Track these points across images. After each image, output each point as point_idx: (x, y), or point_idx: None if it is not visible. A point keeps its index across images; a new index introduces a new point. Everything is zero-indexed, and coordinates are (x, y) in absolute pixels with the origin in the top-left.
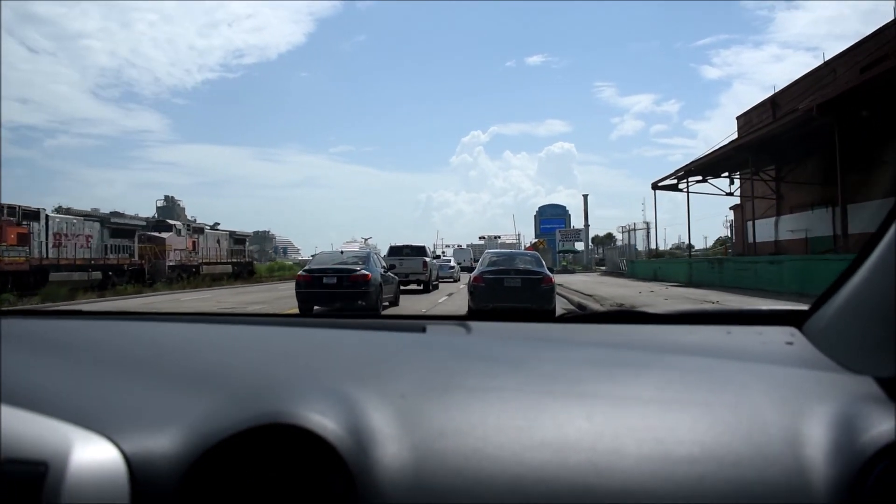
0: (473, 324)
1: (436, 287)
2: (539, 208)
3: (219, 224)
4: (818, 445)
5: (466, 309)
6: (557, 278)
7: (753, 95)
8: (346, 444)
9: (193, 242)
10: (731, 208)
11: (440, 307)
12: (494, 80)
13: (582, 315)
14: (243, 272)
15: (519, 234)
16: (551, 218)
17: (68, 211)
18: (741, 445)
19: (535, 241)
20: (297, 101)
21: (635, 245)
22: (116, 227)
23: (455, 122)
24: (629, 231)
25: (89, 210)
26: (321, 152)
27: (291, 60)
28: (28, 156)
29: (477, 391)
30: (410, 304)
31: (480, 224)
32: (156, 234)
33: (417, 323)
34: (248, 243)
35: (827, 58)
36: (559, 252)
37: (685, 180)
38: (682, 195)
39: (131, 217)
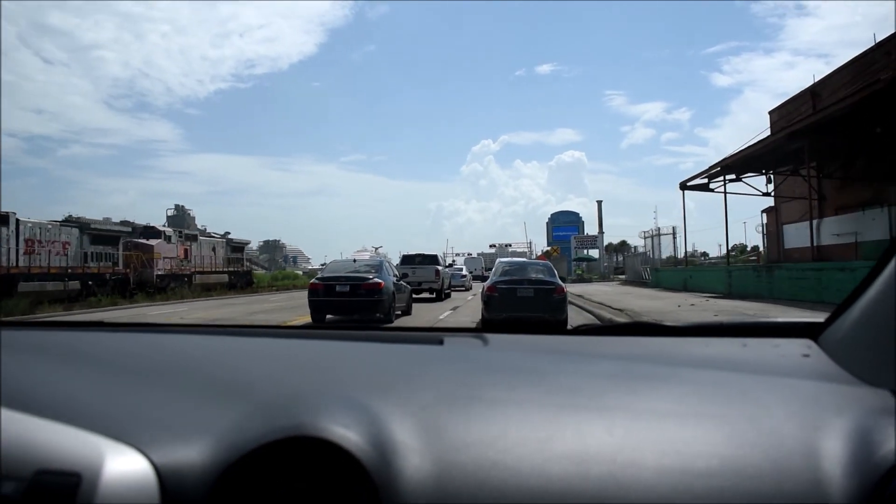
0: (490, 336)
1: (448, 295)
2: (551, 215)
3: (229, 233)
4: (835, 459)
5: (480, 318)
6: (574, 288)
7: (764, 103)
8: (370, 457)
9: (185, 250)
10: (763, 211)
11: (453, 317)
12: (505, 88)
13: (597, 327)
14: (240, 282)
15: (530, 243)
16: (564, 225)
17: (78, 220)
18: (759, 458)
19: (547, 249)
20: (309, 111)
21: (660, 252)
22: (98, 233)
23: (465, 131)
24: (652, 237)
25: (101, 219)
26: (332, 161)
27: (303, 70)
28: (42, 165)
29: (497, 403)
30: (423, 314)
31: (490, 233)
32: (143, 241)
33: (435, 335)
34: (246, 251)
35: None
36: (574, 260)
37: (720, 178)
38: (704, 197)
39: (115, 223)
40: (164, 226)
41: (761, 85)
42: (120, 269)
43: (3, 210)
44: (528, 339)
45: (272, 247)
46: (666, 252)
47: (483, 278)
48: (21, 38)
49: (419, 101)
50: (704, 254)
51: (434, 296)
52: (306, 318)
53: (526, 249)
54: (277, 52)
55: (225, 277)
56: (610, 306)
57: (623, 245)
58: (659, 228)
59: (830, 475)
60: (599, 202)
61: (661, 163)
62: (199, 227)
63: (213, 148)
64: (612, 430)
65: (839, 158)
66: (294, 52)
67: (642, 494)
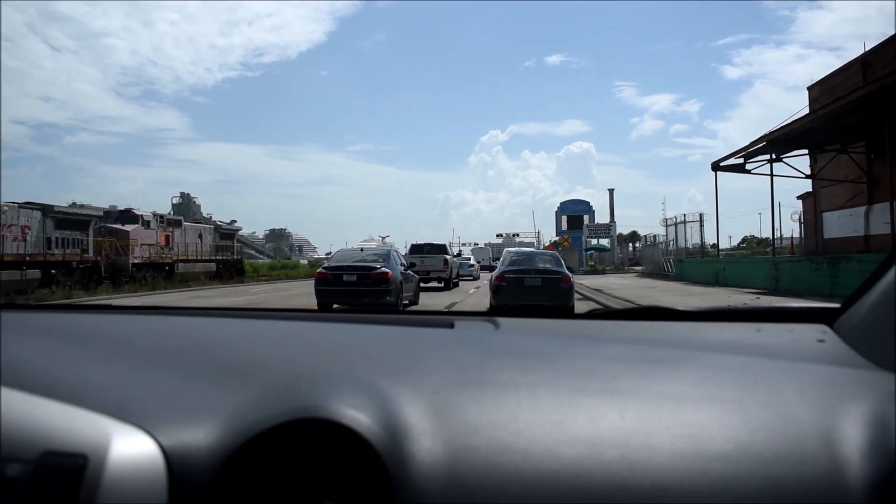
0: (501, 320)
1: (456, 285)
2: (561, 204)
3: (235, 222)
4: (853, 444)
5: (488, 307)
6: (588, 281)
7: (775, 96)
8: (381, 439)
9: (167, 236)
10: (799, 198)
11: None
12: (514, 79)
13: (610, 312)
14: (230, 271)
15: (538, 232)
16: (574, 214)
17: (82, 207)
18: (776, 443)
19: (555, 239)
20: (317, 100)
21: (685, 241)
22: (64, 217)
23: (474, 121)
24: (675, 224)
25: (107, 207)
26: (340, 151)
27: (311, 59)
28: (49, 153)
29: (509, 386)
30: (434, 300)
31: (498, 223)
32: (118, 226)
33: (446, 318)
34: (239, 238)
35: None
36: (587, 250)
37: (759, 158)
38: (711, 187)
39: (88, 207)
40: (129, 208)
41: (771, 77)
42: (90, 256)
43: None
44: (539, 324)
45: (278, 236)
46: (691, 241)
47: (491, 268)
48: (29, 25)
49: (428, 91)
50: (714, 245)
51: (442, 285)
52: None
53: (534, 239)
54: (286, 41)
55: (212, 266)
56: (640, 304)
57: (634, 235)
58: (685, 215)
59: (848, 460)
60: (611, 190)
61: (670, 154)
62: (204, 215)
63: (221, 137)
64: (624, 413)
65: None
66: (303, 40)
67: (656, 478)
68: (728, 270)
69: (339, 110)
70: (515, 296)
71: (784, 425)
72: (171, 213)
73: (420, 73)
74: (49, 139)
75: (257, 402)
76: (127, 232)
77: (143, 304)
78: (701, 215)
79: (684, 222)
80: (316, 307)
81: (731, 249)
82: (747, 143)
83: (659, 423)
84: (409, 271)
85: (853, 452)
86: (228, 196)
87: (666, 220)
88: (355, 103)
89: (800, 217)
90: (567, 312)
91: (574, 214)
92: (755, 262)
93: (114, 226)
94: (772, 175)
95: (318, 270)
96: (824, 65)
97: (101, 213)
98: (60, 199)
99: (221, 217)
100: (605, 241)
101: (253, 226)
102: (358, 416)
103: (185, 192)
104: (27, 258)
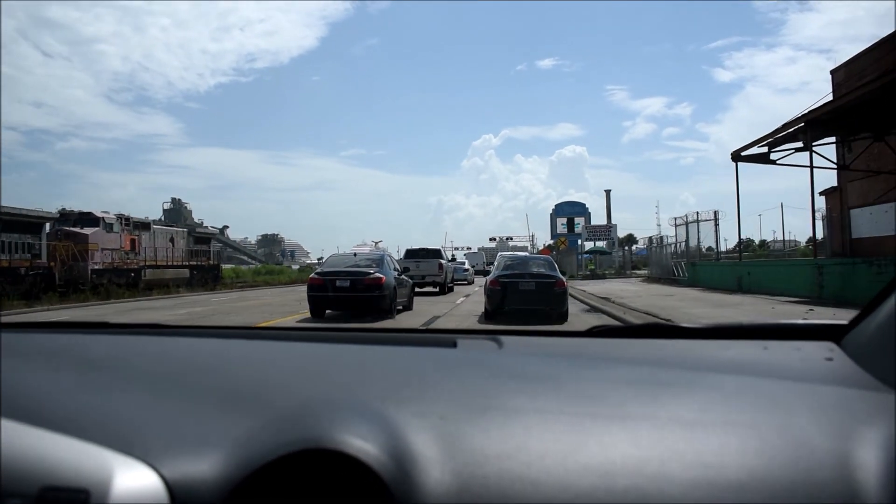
0: (505, 338)
1: (451, 289)
2: (556, 206)
3: (227, 227)
4: (869, 469)
5: (483, 311)
6: (591, 287)
7: (766, 98)
8: (389, 469)
9: (132, 241)
10: (822, 193)
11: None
12: (506, 83)
13: (613, 329)
14: (205, 277)
15: (532, 236)
16: (570, 216)
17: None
18: (790, 471)
19: (549, 242)
20: (309, 105)
21: (698, 242)
22: (12, 218)
23: (466, 125)
24: (686, 224)
25: (132, 216)
26: (332, 155)
27: (303, 64)
28: (41, 159)
29: (517, 412)
30: (428, 307)
31: (491, 228)
32: (76, 229)
33: (448, 337)
34: (213, 243)
35: None
36: (586, 253)
37: (784, 147)
38: (706, 189)
39: (40, 211)
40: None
41: (762, 80)
42: (43, 262)
43: None
44: (543, 342)
45: (270, 241)
46: (705, 243)
47: (485, 272)
48: (21, 31)
49: (420, 96)
50: (710, 248)
51: (438, 290)
52: None
53: (527, 243)
54: (278, 46)
55: (185, 272)
56: (667, 319)
57: (630, 238)
58: (697, 213)
59: (865, 488)
60: (608, 192)
61: (662, 157)
62: (196, 220)
63: (214, 142)
64: (636, 440)
65: None
66: (294, 45)
67: None
68: (753, 275)
69: (332, 115)
70: (510, 300)
71: (798, 452)
72: (163, 218)
73: (412, 78)
74: (41, 145)
75: (262, 432)
76: (86, 235)
77: (142, 322)
78: (716, 213)
79: (697, 221)
80: (309, 313)
81: (729, 253)
82: (745, 143)
83: (671, 451)
84: (402, 276)
85: (869, 480)
86: (221, 202)
87: (675, 219)
88: (348, 108)
89: (823, 214)
90: (564, 321)
91: (569, 217)
92: (788, 265)
93: (71, 229)
94: (812, 160)
95: (310, 276)
96: (815, 66)
97: (56, 215)
98: (52, 206)
99: (214, 223)
100: (601, 244)
101: (245, 231)
102: (365, 445)
103: (177, 197)
104: None
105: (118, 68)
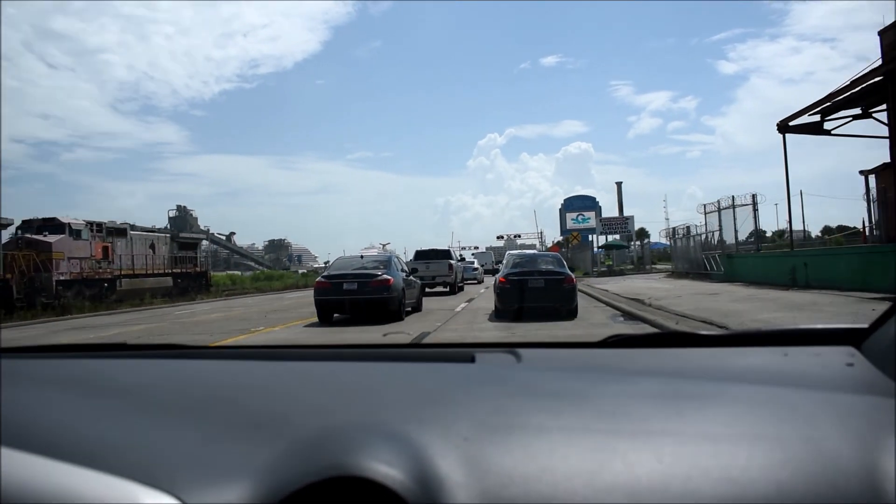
0: (523, 351)
1: (461, 289)
2: (565, 200)
3: (234, 233)
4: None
5: (493, 309)
6: (612, 285)
7: (771, 89)
8: (415, 495)
9: (105, 248)
10: (868, 173)
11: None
12: (510, 82)
13: (629, 338)
14: (192, 285)
15: (541, 232)
16: (580, 211)
17: None
18: (818, 484)
19: (558, 239)
20: (314, 109)
21: (735, 231)
22: None
23: (471, 125)
24: (719, 210)
25: (106, 222)
26: (339, 159)
27: (307, 68)
28: (49, 171)
29: (541, 432)
30: (440, 304)
31: (498, 227)
32: (39, 237)
33: (466, 352)
34: (201, 248)
35: None
36: (602, 248)
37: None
38: (708, 182)
39: None
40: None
41: (767, 71)
42: None
43: None
44: (561, 354)
45: (277, 246)
46: (743, 230)
47: (494, 271)
48: (26, 44)
49: (424, 97)
50: (721, 241)
51: (448, 289)
52: None
53: (536, 241)
54: (281, 51)
55: (168, 281)
56: (723, 326)
57: (643, 232)
58: (733, 198)
59: (892, 499)
60: (619, 184)
61: (668, 152)
62: (202, 227)
63: (220, 149)
64: (661, 457)
65: None
66: (298, 50)
67: None
68: (812, 266)
69: (337, 119)
70: (519, 298)
71: (824, 464)
72: (168, 226)
73: (416, 80)
74: (48, 156)
75: (287, 459)
76: (49, 244)
77: (161, 343)
78: (754, 197)
79: (733, 206)
80: (316, 318)
81: (741, 244)
82: (746, 138)
83: (697, 467)
84: (410, 277)
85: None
86: (228, 208)
87: (705, 206)
88: (353, 111)
89: (872, 196)
90: (590, 344)
91: (580, 211)
92: (859, 253)
93: (34, 237)
94: (891, 127)
95: (316, 280)
96: (819, 56)
97: (11, 221)
98: (59, 216)
99: (221, 229)
100: (613, 238)
101: (253, 237)
102: (391, 471)
103: (182, 204)
104: None
105: (123, 77)
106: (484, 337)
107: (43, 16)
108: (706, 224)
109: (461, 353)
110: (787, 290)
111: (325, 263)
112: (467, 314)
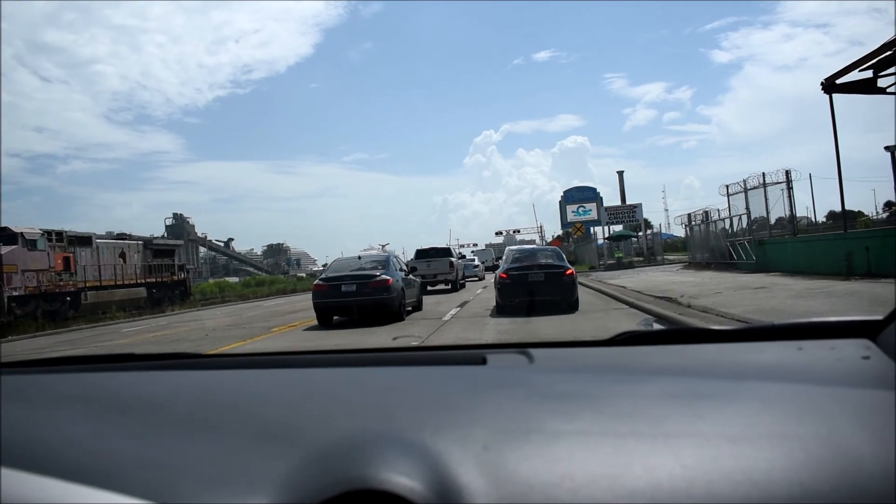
0: (535, 351)
1: (463, 286)
2: (564, 192)
3: (232, 239)
4: None
5: (494, 304)
6: (628, 280)
7: (765, 77)
8: None
9: (66, 258)
10: (891, 149)
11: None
12: (503, 78)
13: (641, 335)
14: (168, 295)
15: (541, 227)
16: (581, 202)
17: None
18: (839, 482)
19: (558, 234)
20: (309, 112)
21: (767, 214)
22: None
23: (466, 122)
24: (746, 191)
25: (103, 233)
26: (335, 161)
27: (300, 72)
28: (45, 183)
29: (558, 436)
30: (443, 301)
31: (497, 223)
32: None
33: (477, 353)
34: (178, 255)
35: None
36: (609, 238)
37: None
38: (707, 173)
39: None
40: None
41: (761, 59)
42: None
43: None
44: (572, 353)
45: (276, 251)
46: (775, 212)
47: (494, 267)
48: (18, 58)
49: (418, 96)
50: (751, 225)
51: (450, 287)
52: None
53: (535, 235)
54: (274, 56)
55: (142, 291)
56: None
57: (646, 223)
58: (763, 175)
59: None
60: (620, 173)
61: (665, 143)
62: (200, 234)
63: (216, 155)
64: (681, 459)
65: None
66: (290, 54)
67: None
68: (874, 251)
69: (332, 121)
70: (520, 292)
71: (845, 462)
72: (165, 234)
73: (409, 79)
74: (44, 169)
75: (303, 472)
76: None
77: (169, 353)
78: (787, 173)
79: (763, 185)
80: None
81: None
82: (742, 126)
83: (718, 470)
84: (410, 276)
85: None
86: (226, 214)
87: (727, 187)
88: (347, 113)
89: None
90: (600, 342)
91: (580, 203)
92: None
93: None
94: None
95: (314, 283)
96: (813, 42)
97: None
98: (10, 226)
99: (219, 236)
100: (617, 228)
101: (251, 242)
102: (410, 483)
103: (179, 212)
104: None
105: (116, 88)
106: (489, 333)
107: (34, 29)
108: (729, 207)
109: (472, 355)
110: (847, 279)
111: (324, 266)
112: (471, 308)
